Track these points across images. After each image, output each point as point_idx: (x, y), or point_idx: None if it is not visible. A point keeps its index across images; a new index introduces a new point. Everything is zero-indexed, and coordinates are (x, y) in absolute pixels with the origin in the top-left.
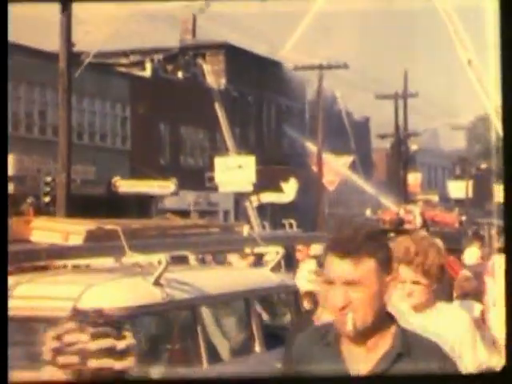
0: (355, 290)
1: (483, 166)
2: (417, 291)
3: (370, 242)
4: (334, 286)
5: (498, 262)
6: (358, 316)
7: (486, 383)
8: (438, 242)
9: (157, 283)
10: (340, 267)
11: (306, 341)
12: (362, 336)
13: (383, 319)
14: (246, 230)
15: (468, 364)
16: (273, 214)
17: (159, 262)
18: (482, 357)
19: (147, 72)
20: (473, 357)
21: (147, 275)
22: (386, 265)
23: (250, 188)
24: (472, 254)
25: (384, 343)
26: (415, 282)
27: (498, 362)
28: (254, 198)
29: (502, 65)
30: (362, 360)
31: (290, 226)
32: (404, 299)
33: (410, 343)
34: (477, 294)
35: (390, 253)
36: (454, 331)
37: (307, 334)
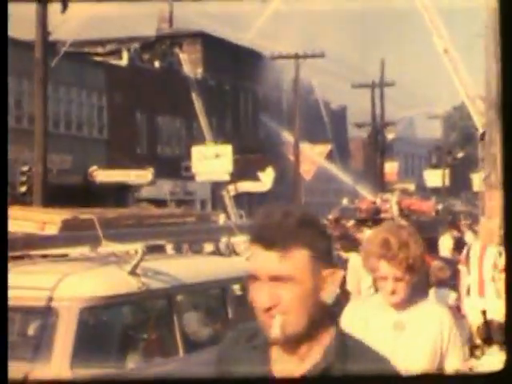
0: (284, 287)
1: (459, 154)
2: (399, 288)
3: (303, 229)
4: (260, 282)
5: (473, 250)
6: (288, 319)
7: (485, 383)
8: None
9: (133, 272)
10: (265, 259)
11: (233, 340)
12: (294, 342)
13: (319, 322)
14: (222, 219)
15: (454, 361)
16: (250, 203)
17: (135, 252)
18: (465, 354)
19: (124, 61)
20: (458, 353)
21: (123, 264)
22: (323, 257)
23: (226, 177)
24: (446, 243)
25: (318, 351)
26: (398, 279)
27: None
28: (231, 187)
29: (502, 65)
30: (291, 370)
31: None
32: (386, 298)
33: (347, 351)
34: (451, 283)
35: (329, 242)
36: (437, 329)
37: (236, 332)
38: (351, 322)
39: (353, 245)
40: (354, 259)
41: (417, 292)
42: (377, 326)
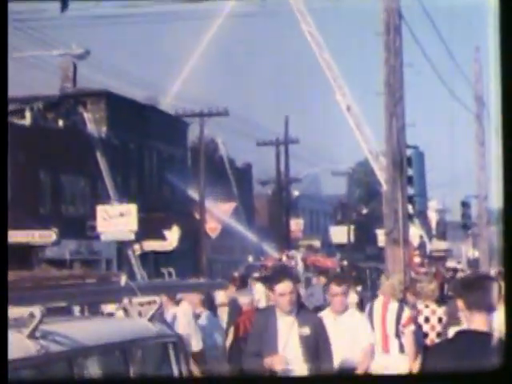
0: None
1: (364, 210)
2: None
3: None
4: None
5: (376, 306)
6: None
7: (484, 381)
8: None
9: (31, 336)
10: None
11: None
12: None
13: None
14: (123, 279)
15: None
16: (156, 262)
17: (34, 315)
18: None
19: (27, 120)
20: None
21: (22, 328)
22: None
23: (132, 236)
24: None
25: None
26: None
27: None
28: (136, 246)
29: (502, 67)
30: None
31: (169, 274)
32: None
33: None
34: None
35: None
36: None
37: None
38: None
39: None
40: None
41: None
42: None
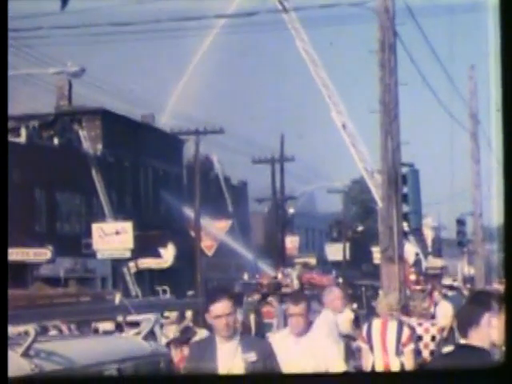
0: None
1: (360, 228)
2: None
3: None
4: None
5: (374, 326)
6: None
7: (486, 378)
8: None
9: (25, 354)
10: None
11: None
12: None
13: None
14: (117, 298)
15: None
16: (151, 280)
17: (26, 333)
18: None
19: (22, 138)
20: None
21: (16, 346)
22: None
23: (127, 254)
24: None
25: None
26: None
27: None
28: (131, 264)
29: (502, 69)
30: None
31: (164, 292)
32: None
33: None
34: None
35: None
36: None
37: None
38: None
39: None
40: None
41: None
42: None
